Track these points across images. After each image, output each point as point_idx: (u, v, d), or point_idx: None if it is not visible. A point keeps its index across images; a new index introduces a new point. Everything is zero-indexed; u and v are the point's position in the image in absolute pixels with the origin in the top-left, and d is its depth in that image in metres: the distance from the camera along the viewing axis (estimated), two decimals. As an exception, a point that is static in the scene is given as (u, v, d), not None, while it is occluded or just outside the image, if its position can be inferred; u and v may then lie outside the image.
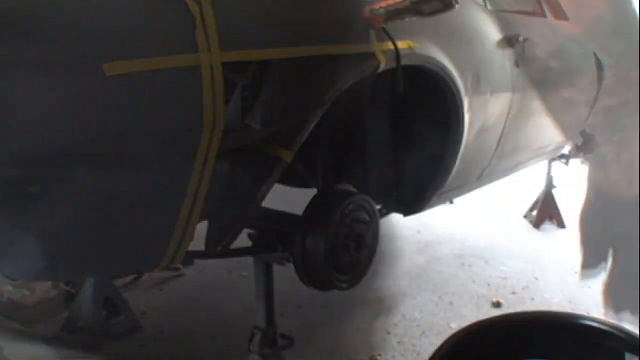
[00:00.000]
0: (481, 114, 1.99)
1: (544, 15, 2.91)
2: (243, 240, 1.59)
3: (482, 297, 2.76)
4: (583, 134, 3.62)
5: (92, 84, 1.02)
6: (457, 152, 1.93)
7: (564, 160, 3.65)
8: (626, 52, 2.91)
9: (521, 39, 2.24)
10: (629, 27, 2.92)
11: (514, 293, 2.82)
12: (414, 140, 2.08)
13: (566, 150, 3.54)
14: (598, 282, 2.72)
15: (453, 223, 3.76)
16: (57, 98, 1.00)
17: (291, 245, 1.66)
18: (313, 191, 1.82)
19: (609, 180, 2.86)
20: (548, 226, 3.86)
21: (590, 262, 2.79)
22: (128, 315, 2.32)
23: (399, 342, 2.31)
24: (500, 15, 2.27)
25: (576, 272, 2.94)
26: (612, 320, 1.86)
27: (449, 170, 1.99)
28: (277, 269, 1.84)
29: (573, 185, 4.02)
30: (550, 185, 3.85)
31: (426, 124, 2.05)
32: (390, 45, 1.49)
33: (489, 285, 2.90)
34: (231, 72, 1.29)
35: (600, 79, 3.19)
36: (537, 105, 2.42)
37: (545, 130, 2.72)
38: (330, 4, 1.46)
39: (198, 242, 1.36)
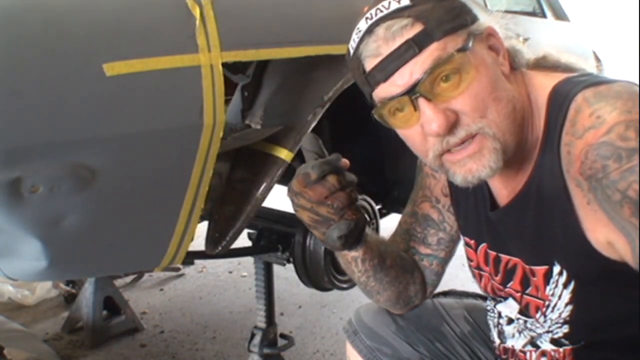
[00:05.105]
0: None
1: (544, 16, 2.91)
2: (243, 240, 1.59)
3: (482, 297, 2.75)
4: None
5: (92, 83, 1.02)
6: (457, 152, 1.93)
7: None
8: None
9: (521, 38, 2.24)
10: None
11: (513, 293, 2.82)
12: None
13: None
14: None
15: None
16: (56, 97, 1.00)
17: (291, 245, 1.66)
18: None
19: None
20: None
21: None
22: (128, 315, 2.32)
23: (399, 342, 2.31)
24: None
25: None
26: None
27: (448, 170, 1.98)
28: (277, 269, 1.84)
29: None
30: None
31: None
32: (390, 45, 1.49)
33: (489, 285, 2.90)
34: (231, 72, 1.30)
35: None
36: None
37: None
38: (329, 3, 1.46)
39: (198, 242, 1.36)
